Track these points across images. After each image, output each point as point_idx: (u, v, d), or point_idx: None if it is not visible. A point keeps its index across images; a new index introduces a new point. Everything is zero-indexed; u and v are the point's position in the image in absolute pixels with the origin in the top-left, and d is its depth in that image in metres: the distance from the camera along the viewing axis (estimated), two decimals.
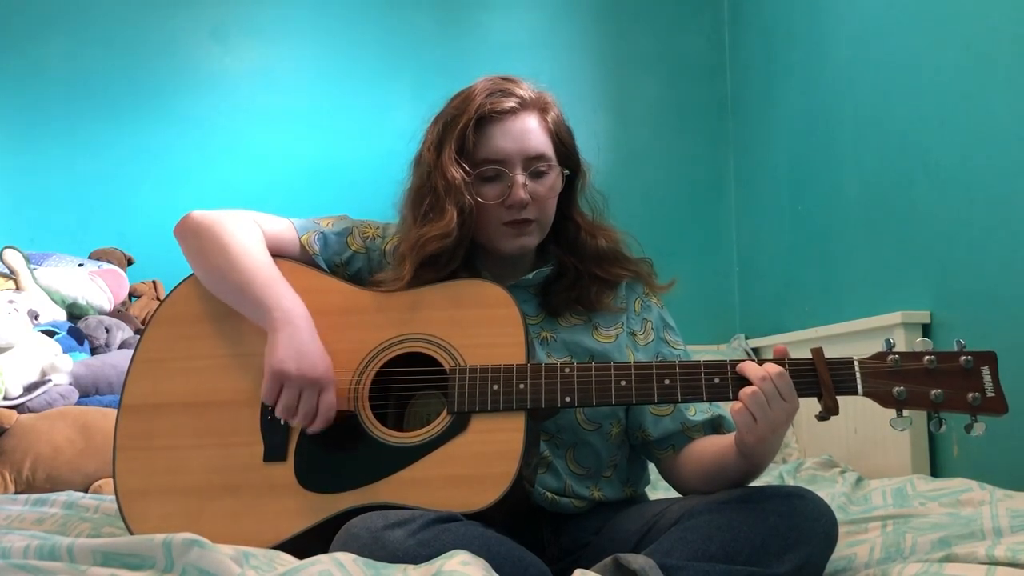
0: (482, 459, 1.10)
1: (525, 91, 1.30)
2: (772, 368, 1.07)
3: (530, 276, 1.32)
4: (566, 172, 1.31)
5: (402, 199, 1.33)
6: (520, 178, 1.25)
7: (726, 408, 1.27)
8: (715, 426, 1.29)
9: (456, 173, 1.24)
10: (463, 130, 1.25)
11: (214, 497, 1.17)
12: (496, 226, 1.27)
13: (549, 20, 3.27)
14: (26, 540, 1.01)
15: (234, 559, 0.90)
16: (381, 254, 1.33)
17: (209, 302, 1.26)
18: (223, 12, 3.08)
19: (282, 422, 1.18)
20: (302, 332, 1.16)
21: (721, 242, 3.26)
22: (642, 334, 1.34)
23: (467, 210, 1.24)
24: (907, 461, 2.01)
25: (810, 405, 1.10)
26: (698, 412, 1.28)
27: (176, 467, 1.19)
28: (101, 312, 2.52)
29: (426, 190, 1.27)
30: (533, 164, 1.27)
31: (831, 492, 1.69)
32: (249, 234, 1.26)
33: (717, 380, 1.11)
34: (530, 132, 1.27)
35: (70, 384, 2.14)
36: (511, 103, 1.27)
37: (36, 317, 2.28)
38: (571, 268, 1.33)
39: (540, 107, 1.31)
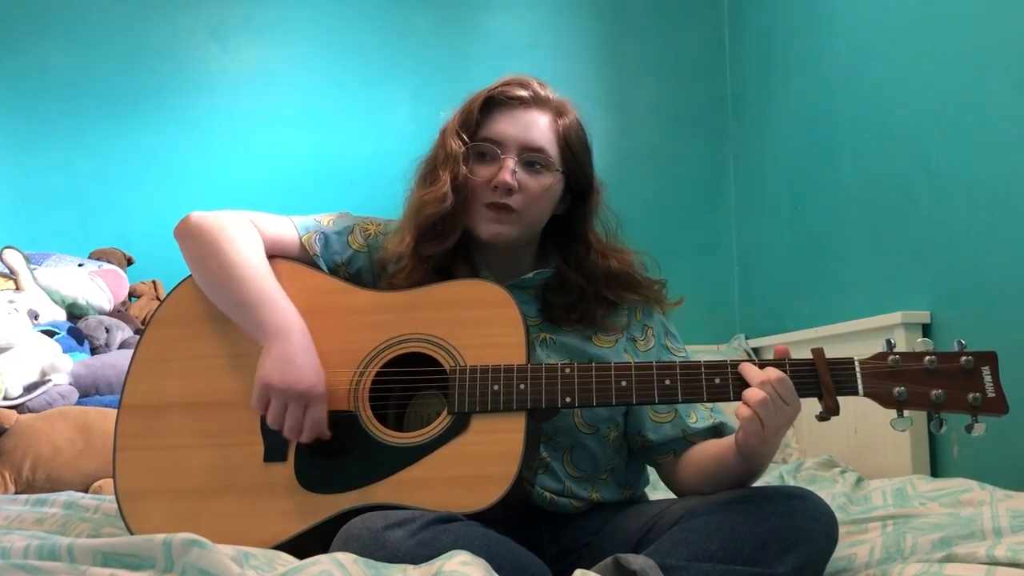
0: (482, 459, 1.10)
1: (545, 91, 1.31)
2: (773, 373, 1.06)
3: (530, 275, 1.31)
4: (560, 170, 1.29)
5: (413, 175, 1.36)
6: (511, 162, 1.25)
7: (725, 409, 1.28)
8: (716, 433, 1.28)
9: (454, 144, 1.27)
10: (469, 107, 1.30)
11: (214, 497, 1.16)
12: (479, 206, 1.27)
13: (549, 20, 3.27)
14: (26, 540, 1.01)
15: (234, 559, 0.90)
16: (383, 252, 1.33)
17: (209, 303, 1.26)
18: (223, 12, 3.08)
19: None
20: (293, 345, 1.16)
21: (721, 242, 3.26)
22: (643, 340, 1.33)
23: (460, 179, 1.26)
24: (907, 461, 2.01)
25: (811, 405, 1.10)
26: (699, 419, 1.27)
27: (176, 467, 1.19)
28: (101, 312, 2.52)
29: (429, 160, 1.32)
30: (529, 155, 1.27)
31: (831, 492, 1.69)
32: (247, 241, 1.25)
33: (718, 380, 1.11)
34: (536, 126, 1.28)
35: (70, 384, 2.14)
36: (524, 93, 1.29)
37: (36, 317, 2.28)
38: (576, 286, 1.31)
39: (555, 109, 1.31)
